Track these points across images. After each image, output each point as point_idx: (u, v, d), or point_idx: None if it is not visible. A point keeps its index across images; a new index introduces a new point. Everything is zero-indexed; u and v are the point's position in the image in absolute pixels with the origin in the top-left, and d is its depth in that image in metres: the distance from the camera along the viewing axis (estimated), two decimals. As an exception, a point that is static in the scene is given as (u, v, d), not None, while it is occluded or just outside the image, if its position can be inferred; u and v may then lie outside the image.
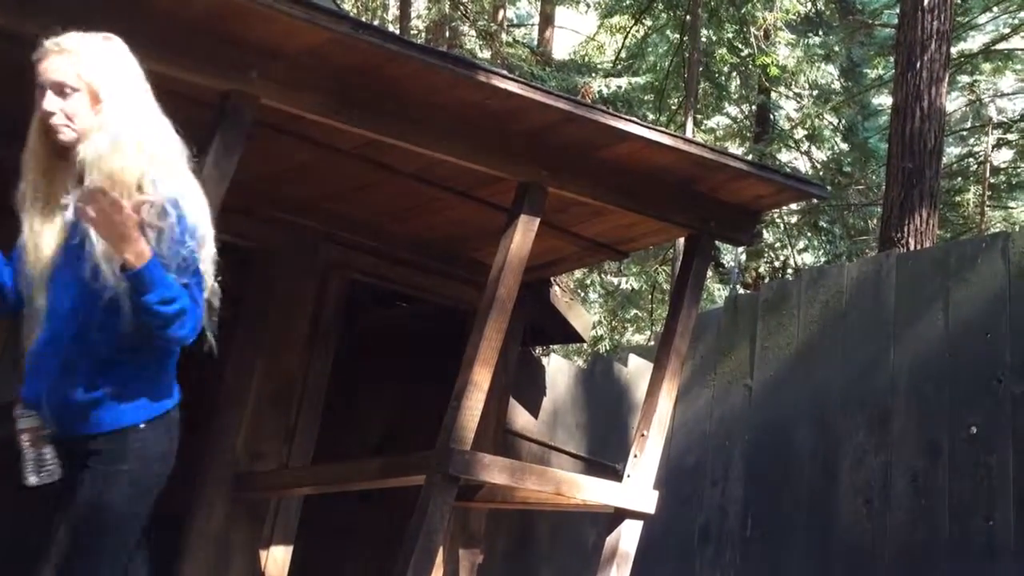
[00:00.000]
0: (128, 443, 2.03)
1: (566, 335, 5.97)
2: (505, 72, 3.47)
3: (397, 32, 10.41)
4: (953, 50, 9.26)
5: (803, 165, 13.19)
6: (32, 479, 2.02)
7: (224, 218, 3.11)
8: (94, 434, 2.02)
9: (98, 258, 1.94)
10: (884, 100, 12.91)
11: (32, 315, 2.09)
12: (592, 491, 3.78)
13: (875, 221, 11.94)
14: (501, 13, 13.70)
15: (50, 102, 2.04)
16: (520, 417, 5.68)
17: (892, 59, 9.20)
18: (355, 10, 13.06)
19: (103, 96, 2.05)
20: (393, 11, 14.48)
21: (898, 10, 8.10)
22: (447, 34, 13.42)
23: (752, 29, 11.27)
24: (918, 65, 6.90)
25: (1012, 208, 13.12)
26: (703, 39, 10.96)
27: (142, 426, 2.05)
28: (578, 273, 12.30)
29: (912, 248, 6.34)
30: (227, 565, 4.24)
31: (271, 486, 4.36)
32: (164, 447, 2.11)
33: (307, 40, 3.07)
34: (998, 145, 12.41)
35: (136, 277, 1.89)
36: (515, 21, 16.01)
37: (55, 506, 2.08)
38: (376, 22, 13.41)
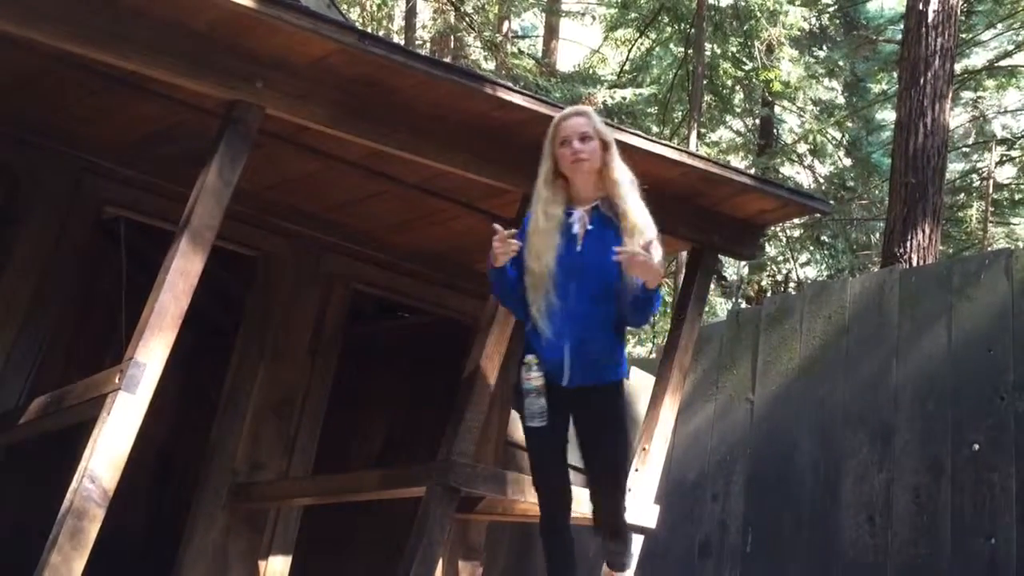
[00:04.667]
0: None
1: (568, 347, 5.94)
2: (510, 84, 3.47)
3: (402, 43, 10.44)
4: (957, 66, 9.27)
5: (806, 179, 13.19)
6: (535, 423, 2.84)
7: (228, 227, 3.13)
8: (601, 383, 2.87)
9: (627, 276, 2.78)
10: (888, 115, 12.92)
11: (543, 304, 2.85)
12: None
13: (878, 236, 11.93)
14: (506, 24, 13.74)
15: (577, 144, 2.88)
16: (521, 429, 5.66)
17: (896, 74, 9.21)
18: (360, 21, 13.10)
19: (609, 146, 2.93)
20: (398, 22, 14.53)
21: (902, 26, 8.12)
22: (452, 45, 13.46)
23: (756, 43, 11.29)
24: (922, 81, 6.91)
25: (1015, 224, 13.10)
26: (707, 53, 10.98)
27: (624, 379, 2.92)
28: (580, 285, 12.26)
29: (915, 263, 6.34)
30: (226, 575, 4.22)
31: (271, 496, 4.35)
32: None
33: (313, 51, 3.08)
34: (1001, 161, 12.41)
35: (652, 292, 2.77)
36: (520, 33, 16.04)
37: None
38: (381, 33, 13.44)
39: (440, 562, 4.32)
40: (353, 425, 5.72)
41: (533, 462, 3.04)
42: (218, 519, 4.24)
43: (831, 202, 7.86)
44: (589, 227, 2.90)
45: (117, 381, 2.83)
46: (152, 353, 2.87)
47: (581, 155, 2.89)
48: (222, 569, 4.22)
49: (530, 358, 2.84)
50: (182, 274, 2.93)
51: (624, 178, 2.94)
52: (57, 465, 4.09)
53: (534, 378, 2.83)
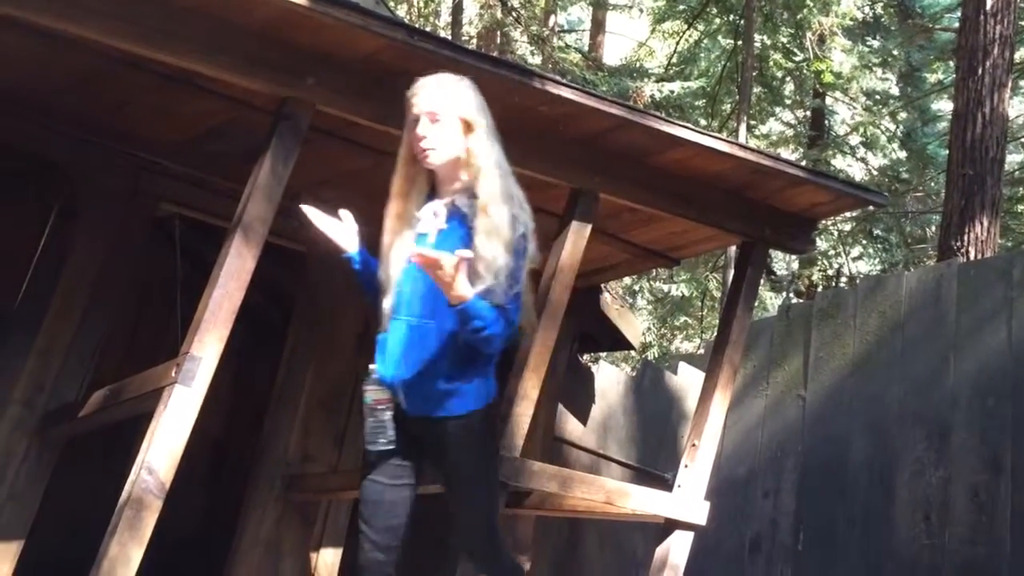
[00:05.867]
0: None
1: (615, 342, 5.93)
2: (559, 78, 3.46)
3: (449, 38, 10.41)
4: (1016, 55, 9.02)
5: (858, 171, 12.95)
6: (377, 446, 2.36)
7: (277, 221, 3.17)
8: (439, 416, 2.36)
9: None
10: (944, 105, 12.62)
11: (383, 310, 2.45)
12: (642, 501, 3.74)
13: (933, 229, 11.68)
14: (552, 19, 13.70)
15: (423, 128, 2.39)
16: (569, 424, 5.66)
17: (953, 63, 9.00)
18: (408, 17, 13.16)
19: (474, 127, 2.39)
20: (445, 18, 14.56)
21: (959, 14, 7.92)
22: (498, 40, 13.46)
23: (808, 34, 11.10)
24: (980, 70, 6.74)
25: (1076, 217, 12.71)
26: (757, 44, 10.83)
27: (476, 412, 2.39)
28: (627, 279, 12.23)
29: (972, 257, 6.19)
30: (277, 568, 4.27)
31: (322, 488, 4.39)
32: (493, 427, 2.53)
33: (363, 47, 3.09)
34: (1063, 152, 12.05)
35: (459, 312, 2.23)
36: (566, 27, 15.99)
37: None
38: (428, 29, 13.48)
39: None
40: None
41: (362, 498, 2.44)
42: (271, 510, 4.29)
43: (885, 195, 7.70)
44: (444, 225, 2.40)
45: (173, 375, 2.88)
46: (207, 347, 2.91)
47: (423, 146, 2.38)
48: (275, 559, 4.28)
49: (372, 368, 2.39)
50: (235, 269, 2.98)
51: (489, 164, 2.36)
52: (115, 457, 4.18)
53: (372, 391, 2.36)
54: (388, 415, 2.34)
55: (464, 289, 2.17)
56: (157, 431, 2.83)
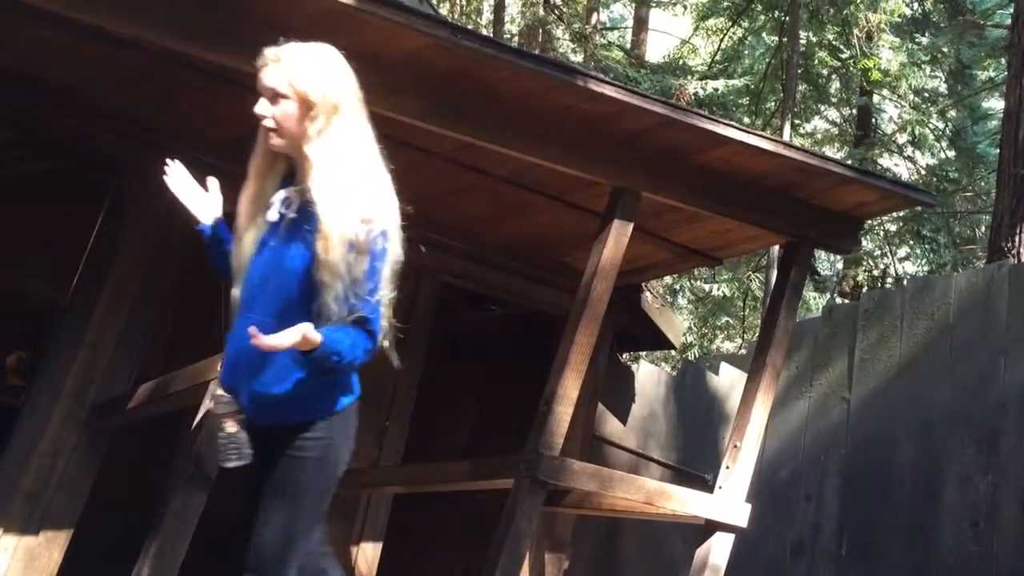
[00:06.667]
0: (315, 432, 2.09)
1: (656, 341, 5.90)
2: (602, 76, 3.45)
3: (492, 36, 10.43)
4: (1072, 51, 8.77)
5: (906, 170, 12.73)
6: (230, 462, 2.08)
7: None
8: (286, 424, 2.09)
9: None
10: (995, 104, 12.35)
11: (232, 304, 2.18)
12: (682, 502, 3.72)
13: (983, 230, 11.44)
14: (594, 16, 13.66)
15: (262, 107, 2.11)
16: (608, 423, 5.64)
17: (1004, 61, 8.80)
18: (450, 16, 13.21)
19: (315, 109, 2.08)
20: (487, 16, 14.59)
21: (1011, 10, 7.75)
22: (540, 38, 13.45)
23: (855, 31, 10.93)
24: (1033, 67, 6.58)
25: None
26: (802, 41, 10.69)
27: (328, 418, 2.12)
28: (667, 278, 12.15)
29: (1024, 259, 6.05)
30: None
31: (362, 484, 4.43)
32: (345, 436, 2.17)
33: (407, 45, 3.11)
34: (1119, 151, 11.70)
35: (311, 359, 1.98)
36: (608, 24, 15.93)
37: (252, 486, 2.15)
38: (470, 27, 13.51)
39: (527, 555, 4.33)
40: (439, 418, 5.78)
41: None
42: (311, 505, 4.34)
43: (934, 194, 7.57)
44: (293, 215, 2.10)
45: (219, 368, 2.92)
46: (251, 342, 2.95)
47: (264, 125, 2.10)
48: (315, 554, 4.32)
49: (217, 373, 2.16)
50: (280, 266, 3.01)
51: (325, 155, 2.05)
52: (162, 449, 4.25)
53: (221, 402, 2.09)
54: (237, 428, 2.07)
55: (311, 338, 1.92)
56: (204, 424, 2.88)
